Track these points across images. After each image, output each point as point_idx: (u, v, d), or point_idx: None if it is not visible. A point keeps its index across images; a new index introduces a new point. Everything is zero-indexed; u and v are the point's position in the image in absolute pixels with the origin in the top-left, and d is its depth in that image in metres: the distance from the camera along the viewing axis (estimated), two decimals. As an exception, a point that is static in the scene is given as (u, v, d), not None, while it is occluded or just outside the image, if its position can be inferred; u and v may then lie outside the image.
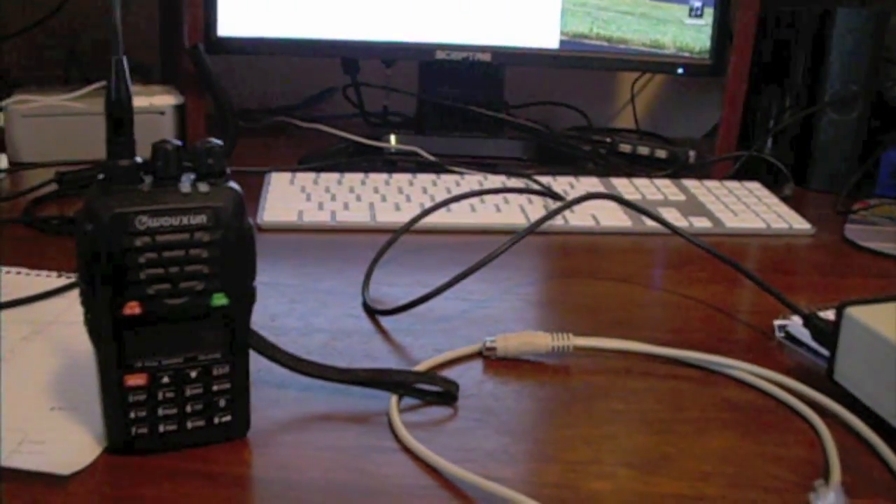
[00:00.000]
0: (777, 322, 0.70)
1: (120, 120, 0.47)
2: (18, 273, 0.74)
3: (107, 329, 0.48)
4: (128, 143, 0.47)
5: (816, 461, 0.54)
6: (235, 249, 0.48)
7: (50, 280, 0.73)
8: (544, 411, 0.58)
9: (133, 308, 0.47)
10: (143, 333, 0.48)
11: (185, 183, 0.48)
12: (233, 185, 0.49)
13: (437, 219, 0.87)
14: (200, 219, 0.47)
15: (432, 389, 0.58)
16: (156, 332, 0.48)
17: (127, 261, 0.46)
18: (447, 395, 0.58)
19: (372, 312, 0.71)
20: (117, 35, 0.46)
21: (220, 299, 0.49)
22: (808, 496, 0.48)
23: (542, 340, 0.64)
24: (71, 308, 0.68)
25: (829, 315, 0.63)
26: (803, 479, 0.51)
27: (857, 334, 0.58)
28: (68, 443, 0.51)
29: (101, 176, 0.47)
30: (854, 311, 0.58)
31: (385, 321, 0.70)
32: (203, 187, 0.48)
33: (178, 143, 0.48)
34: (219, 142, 0.49)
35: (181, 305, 0.48)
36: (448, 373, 0.62)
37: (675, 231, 0.78)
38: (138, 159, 0.47)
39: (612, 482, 0.51)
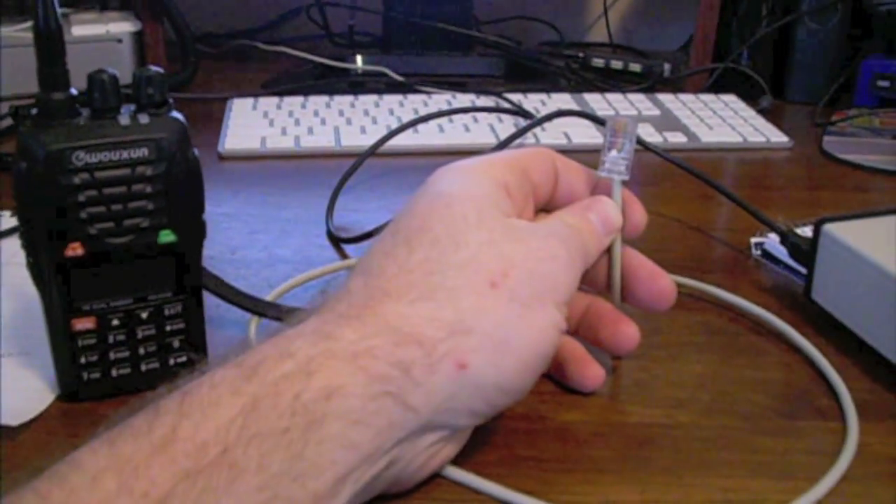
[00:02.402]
0: (754, 240, 0.68)
1: (51, 50, 0.44)
2: (-31, 211, 0.72)
3: (50, 272, 0.45)
4: (61, 75, 0.44)
5: (793, 383, 0.52)
6: (181, 183, 0.46)
7: (2, 219, 0.70)
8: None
9: (75, 249, 0.45)
10: (89, 275, 0.46)
11: (125, 115, 0.45)
12: (176, 114, 0.46)
13: (404, 140, 0.84)
14: (142, 152, 0.45)
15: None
16: (102, 273, 0.46)
17: (65, 200, 0.44)
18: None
19: (337, 241, 0.69)
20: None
21: (167, 236, 0.46)
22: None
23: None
24: (23, 247, 0.65)
25: (807, 231, 0.62)
26: (779, 404, 0.50)
27: (835, 252, 0.56)
28: (20, 391, 0.49)
29: (34, 111, 0.44)
30: (832, 228, 0.56)
31: (351, 249, 0.68)
32: (143, 119, 0.45)
33: (115, 72, 0.45)
34: (159, 69, 0.46)
35: (126, 244, 0.46)
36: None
37: (647, 147, 0.75)
38: (73, 91, 0.45)
39: (583, 412, 0.49)
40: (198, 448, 0.33)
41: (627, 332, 0.49)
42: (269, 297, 0.58)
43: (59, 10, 0.43)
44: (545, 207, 0.48)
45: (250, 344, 0.50)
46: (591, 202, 0.47)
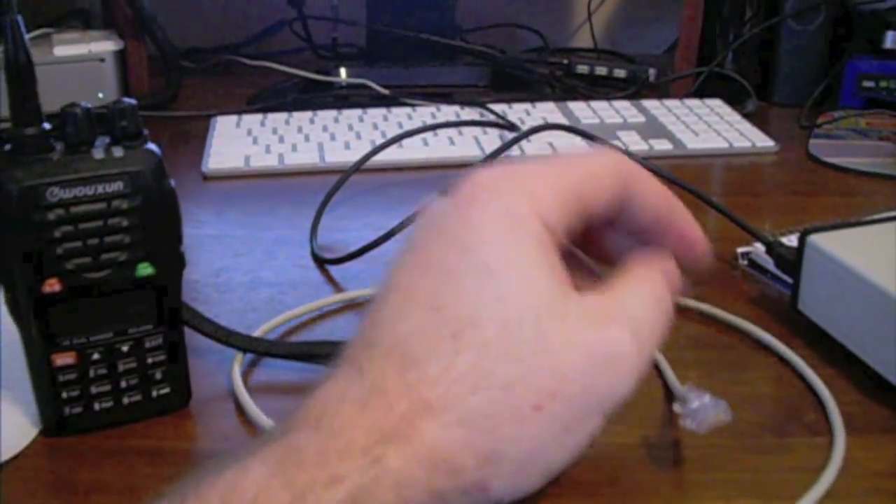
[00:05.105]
0: (740, 250, 0.68)
1: (23, 85, 0.43)
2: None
3: (28, 309, 0.45)
4: (33, 109, 0.44)
5: (781, 398, 0.52)
6: (157, 215, 0.46)
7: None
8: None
9: (53, 285, 0.44)
10: (68, 310, 0.45)
11: (99, 148, 0.45)
12: (151, 146, 0.46)
13: (389, 156, 0.84)
14: (117, 186, 0.44)
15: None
16: (81, 308, 0.46)
17: (41, 236, 0.43)
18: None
19: (321, 262, 0.68)
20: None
21: (145, 269, 0.46)
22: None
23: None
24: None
25: (794, 240, 0.61)
26: (767, 420, 0.50)
27: (821, 263, 0.55)
28: (1, 427, 0.49)
29: (6, 146, 0.44)
30: (817, 239, 0.56)
31: (335, 270, 0.67)
32: (118, 152, 0.44)
33: (88, 105, 0.44)
34: (132, 100, 0.45)
35: (104, 278, 0.45)
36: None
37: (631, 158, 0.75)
38: (46, 126, 0.44)
39: (569, 435, 0.49)
40: None
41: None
42: (256, 333, 0.57)
43: (29, 39, 0.43)
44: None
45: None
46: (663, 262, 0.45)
